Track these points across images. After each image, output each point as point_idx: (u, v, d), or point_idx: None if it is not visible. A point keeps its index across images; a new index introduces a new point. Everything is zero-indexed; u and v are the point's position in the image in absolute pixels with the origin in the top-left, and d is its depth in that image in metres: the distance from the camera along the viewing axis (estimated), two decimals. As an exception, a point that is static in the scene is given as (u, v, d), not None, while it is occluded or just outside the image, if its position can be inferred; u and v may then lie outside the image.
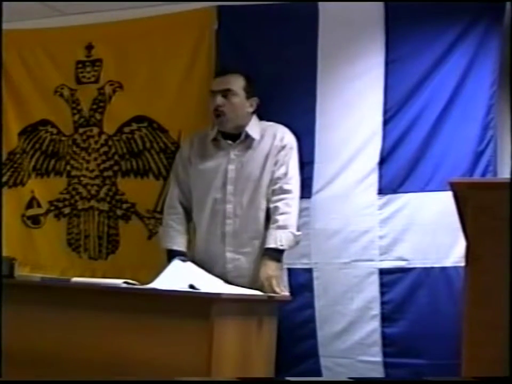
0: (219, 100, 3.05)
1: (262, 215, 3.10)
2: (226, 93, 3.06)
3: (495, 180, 2.94)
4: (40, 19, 4.15)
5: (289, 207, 3.01)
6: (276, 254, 2.97)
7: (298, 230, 3.08)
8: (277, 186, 3.04)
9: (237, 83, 3.11)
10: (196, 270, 2.94)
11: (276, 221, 3.00)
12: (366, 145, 3.43)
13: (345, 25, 3.50)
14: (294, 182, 3.09)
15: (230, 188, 3.08)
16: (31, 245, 4.12)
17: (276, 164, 3.07)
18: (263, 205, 3.09)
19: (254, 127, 3.14)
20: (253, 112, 3.23)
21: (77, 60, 4.07)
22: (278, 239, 2.96)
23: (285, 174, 3.06)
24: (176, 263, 2.97)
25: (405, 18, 3.39)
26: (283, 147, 3.10)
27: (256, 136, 3.09)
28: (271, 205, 3.06)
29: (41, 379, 2.54)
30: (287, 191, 3.04)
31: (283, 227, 2.98)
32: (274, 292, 2.86)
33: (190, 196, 3.24)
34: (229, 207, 3.09)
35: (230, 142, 3.13)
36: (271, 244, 2.96)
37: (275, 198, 3.04)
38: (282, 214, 2.98)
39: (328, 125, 3.50)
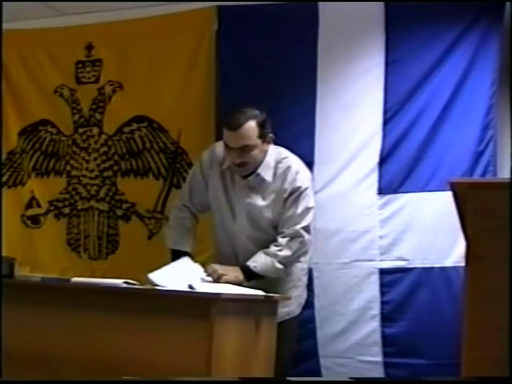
0: (238, 157, 2.91)
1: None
2: (243, 148, 2.91)
3: (495, 180, 2.94)
4: (40, 19, 4.15)
5: (286, 243, 2.92)
6: (248, 273, 2.89)
7: (286, 266, 2.93)
8: (283, 229, 2.95)
9: (252, 134, 2.90)
10: (201, 271, 2.91)
11: (267, 247, 2.95)
12: (366, 145, 3.43)
13: (345, 26, 3.50)
14: (299, 227, 2.95)
15: (239, 220, 3.01)
16: (31, 245, 4.12)
17: (284, 206, 2.96)
18: (270, 240, 2.99)
19: (267, 166, 2.99)
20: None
21: (77, 60, 4.07)
22: (255, 259, 2.90)
23: (293, 216, 2.94)
24: (186, 260, 2.95)
25: (405, 18, 3.40)
26: (293, 190, 2.96)
27: (269, 178, 2.98)
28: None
29: (41, 379, 2.53)
30: (291, 235, 2.94)
31: (268, 253, 2.91)
32: (212, 277, 2.82)
33: (199, 208, 3.14)
34: (239, 241, 3.02)
35: (241, 178, 3.01)
36: (248, 261, 2.91)
37: (280, 235, 2.95)
38: (276, 245, 2.93)
39: (328, 125, 3.50)
